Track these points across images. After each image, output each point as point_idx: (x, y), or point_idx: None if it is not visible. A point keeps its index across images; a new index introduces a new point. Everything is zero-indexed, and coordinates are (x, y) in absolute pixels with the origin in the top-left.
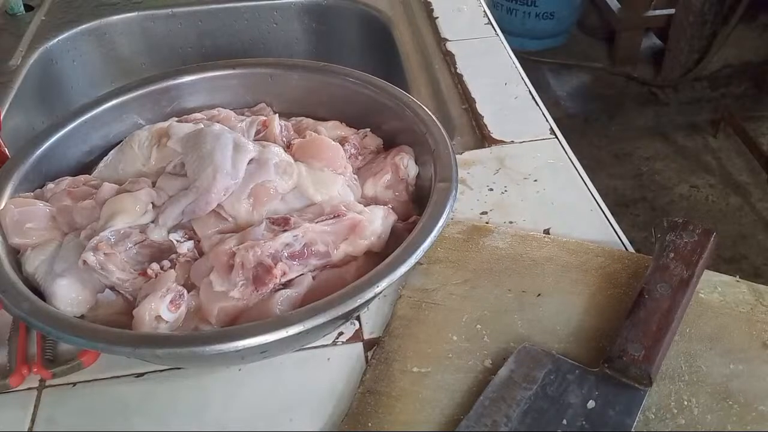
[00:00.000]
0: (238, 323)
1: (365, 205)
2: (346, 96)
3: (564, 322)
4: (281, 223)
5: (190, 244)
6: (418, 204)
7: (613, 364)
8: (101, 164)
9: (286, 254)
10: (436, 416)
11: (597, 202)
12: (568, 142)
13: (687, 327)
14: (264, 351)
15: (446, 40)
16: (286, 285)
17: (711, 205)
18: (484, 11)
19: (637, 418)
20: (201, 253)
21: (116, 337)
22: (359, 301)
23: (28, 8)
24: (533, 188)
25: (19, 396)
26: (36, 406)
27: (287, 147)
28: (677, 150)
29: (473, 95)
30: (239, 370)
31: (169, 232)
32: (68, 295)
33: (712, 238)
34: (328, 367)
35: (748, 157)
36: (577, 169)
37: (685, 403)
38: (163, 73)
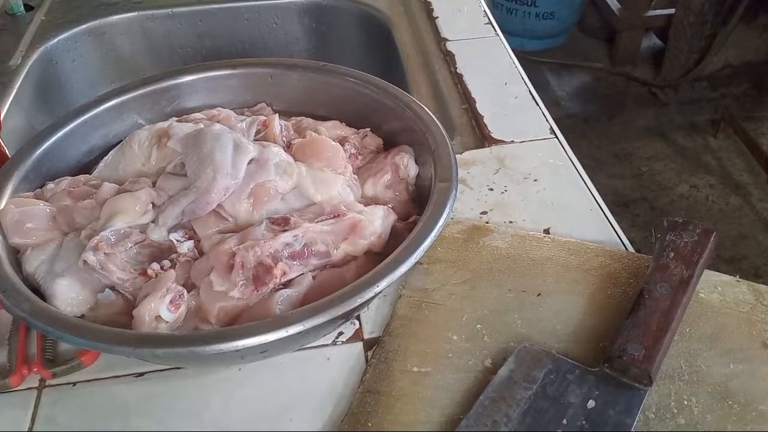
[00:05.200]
0: (238, 323)
1: (365, 205)
2: (346, 96)
3: (564, 322)
4: (281, 223)
5: (190, 243)
6: (418, 204)
7: (613, 364)
8: (101, 164)
9: (286, 254)
10: (436, 416)
11: (597, 202)
12: (568, 142)
13: (687, 327)
14: (264, 351)
15: (446, 40)
16: (286, 285)
17: (711, 205)
18: (484, 11)
19: (637, 418)
20: (201, 253)
21: (116, 337)
22: (359, 300)
23: (28, 8)
24: (533, 188)
25: (19, 396)
26: (36, 406)
27: (287, 147)
28: (677, 150)
29: (473, 95)
30: (239, 370)
31: (169, 232)
32: (68, 295)
33: (712, 238)
34: (328, 366)
35: (748, 157)
36: (577, 169)
37: (685, 402)
38: (163, 73)
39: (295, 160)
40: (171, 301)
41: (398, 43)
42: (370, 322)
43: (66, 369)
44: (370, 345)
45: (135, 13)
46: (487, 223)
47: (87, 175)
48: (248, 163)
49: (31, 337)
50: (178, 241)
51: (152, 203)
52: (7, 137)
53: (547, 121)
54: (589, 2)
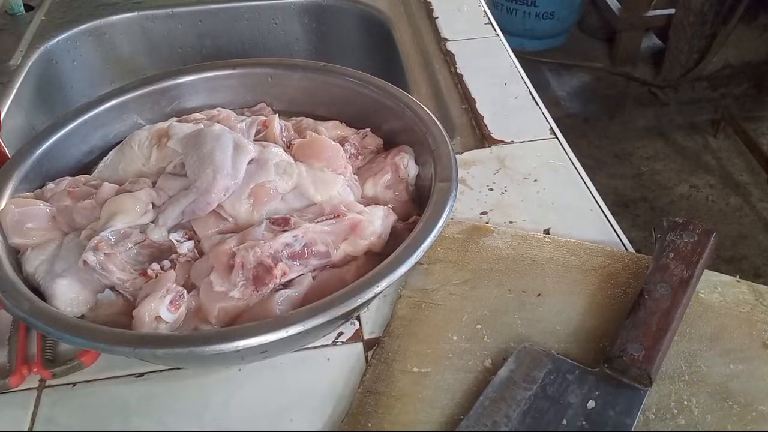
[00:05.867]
0: (238, 323)
1: (365, 205)
2: (346, 96)
3: (564, 322)
4: (281, 223)
5: (190, 244)
6: (418, 204)
7: (613, 364)
8: (101, 164)
9: (286, 254)
10: (436, 416)
11: (597, 202)
12: (568, 142)
13: (687, 327)
14: (264, 351)
15: (446, 40)
16: (286, 285)
17: (711, 205)
18: (484, 11)
19: (637, 418)
20: (201, 253)
21: (116, 337)
22: (359, 301)
23: (28, 8)
24: (533, 188)
25: (19, 396)
26: (36, 406)
27: (287, 147)
28: (677, 150)
29: (473, 95)
30: (239, 370)
31: (169, 232)
32: (68, 295)
33: (712, 238)
34: (328, 367)
35: (748, 157)
36: (577, 169)
37: (685, 403)
38: (163, 73)
39: (295, 161)
40: (171, 302)
41: (398, 43)
42: (370, 323)
43: (66, 369)
44: (370, 345)
45: (135, 13)
46: (487, 223)
47: (87, 175)
48: (248, 164)
49: (31, 337)
50: (178, 241)
51: (152, 203)
52: (7, 137)
53: (547, 121)
54: (589, 2)
